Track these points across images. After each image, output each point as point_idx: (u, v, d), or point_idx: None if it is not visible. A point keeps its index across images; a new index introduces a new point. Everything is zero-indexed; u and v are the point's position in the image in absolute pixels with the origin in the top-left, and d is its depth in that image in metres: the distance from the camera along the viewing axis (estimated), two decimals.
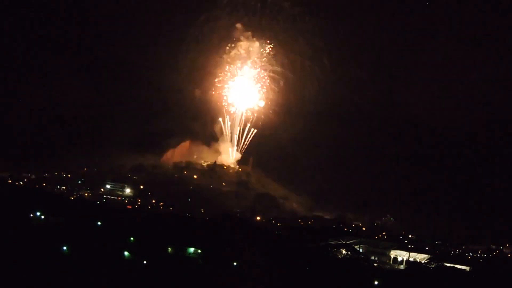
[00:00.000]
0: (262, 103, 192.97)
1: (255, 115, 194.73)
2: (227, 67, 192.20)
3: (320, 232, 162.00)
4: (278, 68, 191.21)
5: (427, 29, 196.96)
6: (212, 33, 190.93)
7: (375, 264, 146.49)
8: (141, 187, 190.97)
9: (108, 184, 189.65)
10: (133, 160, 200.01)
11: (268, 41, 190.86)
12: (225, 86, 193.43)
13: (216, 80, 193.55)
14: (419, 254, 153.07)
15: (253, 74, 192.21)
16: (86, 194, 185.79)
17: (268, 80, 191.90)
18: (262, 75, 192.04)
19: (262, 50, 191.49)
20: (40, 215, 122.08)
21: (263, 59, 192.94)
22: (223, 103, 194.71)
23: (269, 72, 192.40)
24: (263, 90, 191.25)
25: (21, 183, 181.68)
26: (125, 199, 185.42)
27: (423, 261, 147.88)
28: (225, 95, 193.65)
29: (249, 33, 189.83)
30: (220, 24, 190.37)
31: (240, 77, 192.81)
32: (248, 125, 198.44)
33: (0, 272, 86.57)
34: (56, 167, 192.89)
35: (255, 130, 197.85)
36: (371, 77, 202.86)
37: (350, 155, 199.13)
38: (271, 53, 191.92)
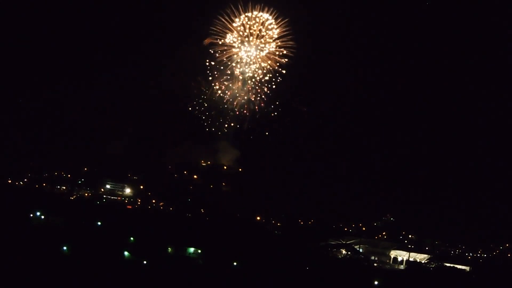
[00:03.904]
0: (262, 100, 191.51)
1: (255, 113, 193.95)
2: (225, 63, 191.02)
3: (320, 232, 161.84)
4: (276, 66, 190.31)
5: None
6: (210, 32, 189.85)
7: (375, 264, 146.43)
8: (141, 187, 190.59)
9: (108, 184, 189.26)
10: (134, 160, 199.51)
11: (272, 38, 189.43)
12: (225, 83, 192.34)
13: (213, 79, 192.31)
14: (419, 254, 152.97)
15: (252, 71, 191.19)
16: (86, 194, 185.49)
17: (268, 77, 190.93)
18: (262, 72, 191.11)
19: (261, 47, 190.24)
20: (40, 215, 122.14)
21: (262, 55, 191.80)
22: (223, 101, 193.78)
23: (270, 68, 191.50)
24: (263, 87, 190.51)
25: (21, 183, 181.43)
26: (125, 199, 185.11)
27: (423, 261, 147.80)
28: (224, 93, 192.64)
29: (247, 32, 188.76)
30: (217, 24, 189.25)
31: (239, 73, 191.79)
32: (248, 123, 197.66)
33: (0, 272, 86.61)
34: (56, 167, 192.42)
35: (256, 128, 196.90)
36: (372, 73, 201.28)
37: (349, 154, 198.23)
38: (272, 49, 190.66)
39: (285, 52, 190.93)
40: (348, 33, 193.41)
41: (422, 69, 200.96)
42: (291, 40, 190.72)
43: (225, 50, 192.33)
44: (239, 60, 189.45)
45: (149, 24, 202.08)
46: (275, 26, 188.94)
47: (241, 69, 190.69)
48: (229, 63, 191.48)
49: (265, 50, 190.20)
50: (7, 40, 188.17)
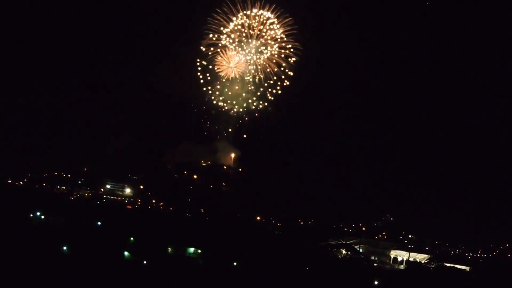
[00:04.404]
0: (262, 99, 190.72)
1: (255, 114, 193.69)
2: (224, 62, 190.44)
3: (320, 232, 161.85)
4: (276, 68, 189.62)
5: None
6: (208, 32, 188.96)
7: (375, 264, 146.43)
8: (141, 187, 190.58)
9: (108, 184, 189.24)
10: (134, 160, 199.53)
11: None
12: (223, 84, 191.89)
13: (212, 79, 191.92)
14: (419, 254, 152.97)
15: (252, 73, 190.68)
16: (86, 194, 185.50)
17: (268, 74, 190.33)
18: (262, 69, 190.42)
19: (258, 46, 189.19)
20: (40, 215, 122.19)
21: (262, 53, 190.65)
22: (223, 102, 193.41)
23: (270, 65, 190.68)
24: (266, 91, 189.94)
25: (21, 183, 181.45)
26: (125, 199, 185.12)
27: (423, 261, 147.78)
28: (223, 95, 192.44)
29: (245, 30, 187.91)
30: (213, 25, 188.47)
31: (239, 76, 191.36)
32: (247, 125, 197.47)
33: (0, 272, 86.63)
34: (56, 167, 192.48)
35: (256, 129, 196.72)
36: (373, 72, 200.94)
37: (349, 153, 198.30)
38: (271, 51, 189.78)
39: (290, 50, 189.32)
40: (350, 33, 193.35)
41: (422, 69, 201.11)
42: (295, 40, 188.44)
43: (224, 51, 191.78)
44: (236, 62, 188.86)
45: (148, 24, 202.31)
46: (278, 26, 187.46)
47: (240, 71, 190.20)
48: (225, 64, 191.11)
49: (267, 52, 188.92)
50: (7, 40, 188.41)
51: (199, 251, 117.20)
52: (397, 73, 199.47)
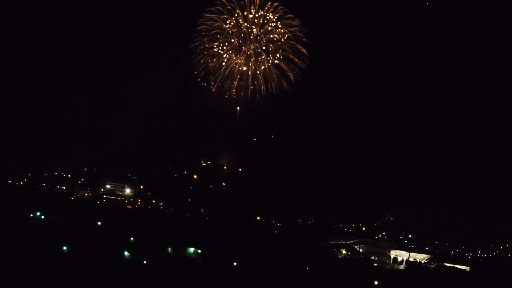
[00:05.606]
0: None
1: (255, 110, 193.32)
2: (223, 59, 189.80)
3: (320, 232, 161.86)
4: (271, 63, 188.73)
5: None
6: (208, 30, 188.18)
7: (375, 264, 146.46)
8: (141, 187, 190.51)
9: (108, 184, 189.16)
10: (134, 160, 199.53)
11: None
12: (223, 79, 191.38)
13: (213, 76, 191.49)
14: (419, 254, 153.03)
15: (250, 68, 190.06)
16: (86, 194, 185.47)
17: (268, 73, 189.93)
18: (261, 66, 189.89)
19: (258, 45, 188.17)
20: (40, 215, 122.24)
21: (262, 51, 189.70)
22: (223, 103, 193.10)
23: (268, 64, 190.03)
24: (264, 83, 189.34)
25: (21, 183, 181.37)
26: (125, 199, 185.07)
27: (423, 261, 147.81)
28: (224, 96, 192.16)
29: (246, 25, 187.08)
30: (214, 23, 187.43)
31: (240, 81, 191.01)
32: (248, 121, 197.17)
33: (0, 272, 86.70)
34: (56, 167, 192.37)
35: (254, 128, 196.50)
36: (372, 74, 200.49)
37: (350, 154, 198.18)
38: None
39: (301, 50, 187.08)
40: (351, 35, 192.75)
41: (423, 70, 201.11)
42: (300, 44, 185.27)
43: (222, 55, 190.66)
44: (235, 68, 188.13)
45: (147, 24, 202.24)
46: (281, 29, 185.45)
47: (239, 73, 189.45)
48: (223, 69, 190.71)
49: (269, 59, 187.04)
50: (8, 40, 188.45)
51: (199, 251, 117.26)
52: (397, 75, 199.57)
